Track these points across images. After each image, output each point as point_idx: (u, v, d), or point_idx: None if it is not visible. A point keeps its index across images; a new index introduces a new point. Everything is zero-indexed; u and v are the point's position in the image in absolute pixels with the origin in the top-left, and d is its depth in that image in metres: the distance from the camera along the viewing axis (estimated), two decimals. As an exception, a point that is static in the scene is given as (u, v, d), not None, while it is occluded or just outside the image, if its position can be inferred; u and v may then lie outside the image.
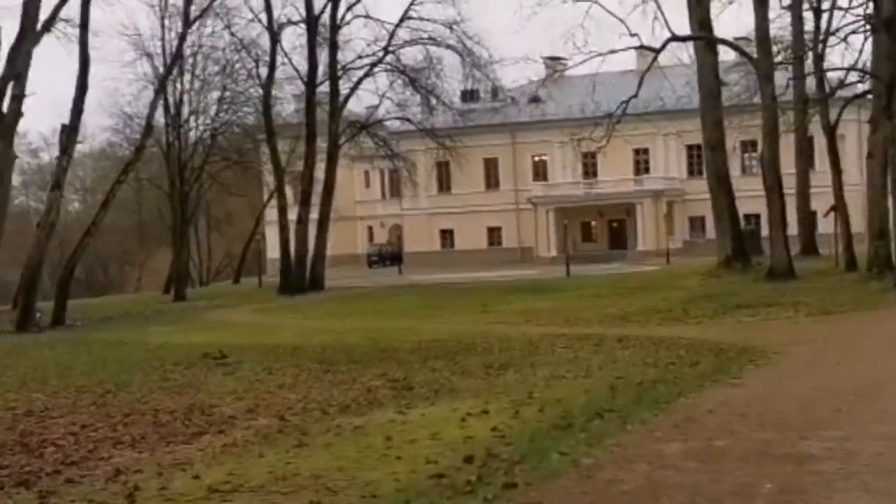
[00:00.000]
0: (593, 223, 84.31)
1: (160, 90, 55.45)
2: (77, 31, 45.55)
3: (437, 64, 61.71)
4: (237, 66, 67.40)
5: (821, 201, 53.56)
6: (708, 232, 65.39)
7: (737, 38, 50.33)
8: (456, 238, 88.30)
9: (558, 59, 63.65)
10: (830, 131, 47.73)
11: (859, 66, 46.03)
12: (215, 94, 71.34)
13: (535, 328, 27.64)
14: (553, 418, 11.69)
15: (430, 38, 60.36)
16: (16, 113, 52.97)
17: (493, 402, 13.43)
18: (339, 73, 60.53)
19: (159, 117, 66.12)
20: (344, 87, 61.79)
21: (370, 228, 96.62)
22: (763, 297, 31.44)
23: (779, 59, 48.76)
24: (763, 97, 41.54)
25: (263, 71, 62.32)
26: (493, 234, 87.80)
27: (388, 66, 62.35)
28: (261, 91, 63.86)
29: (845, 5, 47.27)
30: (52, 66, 66.98)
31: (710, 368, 16.25)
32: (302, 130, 61.70)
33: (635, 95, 43.07)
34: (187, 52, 67.27)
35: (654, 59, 44.08)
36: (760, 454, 9.31)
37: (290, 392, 16.60)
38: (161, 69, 61.85)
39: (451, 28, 59.42)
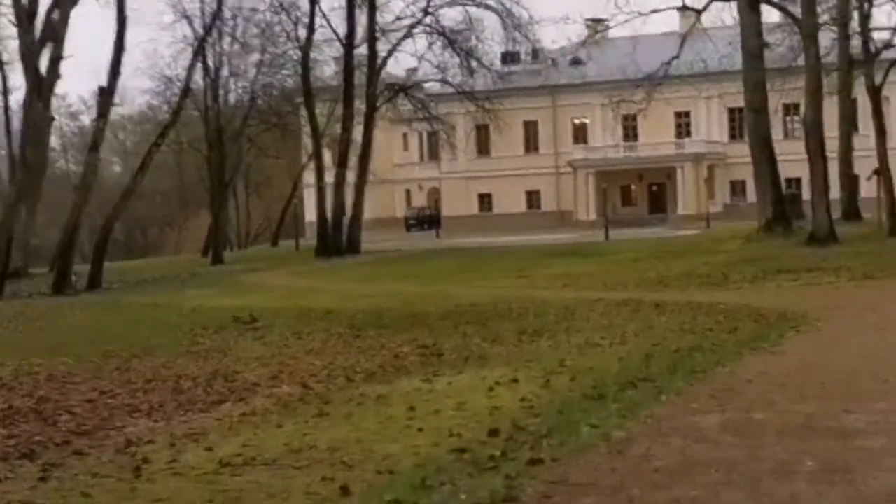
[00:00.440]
0: (633, 187, 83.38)
1: (198, 52, 55.02)
2: (114, -8, 45.16)
3: (477, 25, 61.07)
4: (276, 28, 66.88)
5: (864, 165, 52.52)
6: (749, 196, 64.45)
7: (781, -1, 49.39)
8: (494, 202, 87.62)
9: (600, 20, 62.52)
10: (875, 93, 46.76)
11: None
12: (255, 57, 70.94)
13: (572, 293, 27.18)
14: (584, 388, 11.22)
15: (469, -1, 59.65)
16: (53, 75, 52.99)
17: (523, 370, 12.99)
18: (378, 34, 59.97)
19: (198, 80, 65.92)
20: (382, 50, 61.33)
21: (408, 192, 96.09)
22: (804, 262, 30.78)
23: (823, 19, 47.66)
24: (807, 58, 40.66)
25: (302, 33, 61.92)
26: (532, 197, 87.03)
27: (427, 28, 61.73)
28: (300, 53, 63.36)
29: (892, -37, 46.22)
30: (93, 30, 67.03)
31: (749, 335, 15.73)
32: (340, 93, 61.17)
33: (677, 56, 42.37)
34: (226, 14, 66.98)
35: (697, 19, 43.35)
36: (802, 428, 8.80)
37: (317, 358, 16.25)
38: (200, 31, 61.42)
39: (491, -12, 58.69)
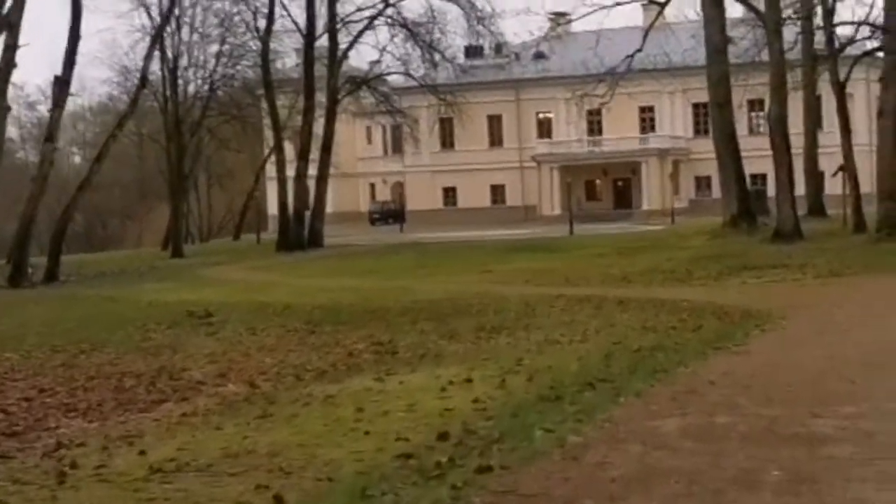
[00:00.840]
0: (598, 182, 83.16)
1: (155, 42, 54.18)
2: (71, -22, 44.33)
3: (440, 18, 60.67)
4: (236, 18, 66.21)
5: (829, 162, 52.46)
6: (714, 191, 64.28)
7: (744, -7, 49.16)
8: (459, 196, 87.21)
9: (562, 14, 62.29)
10: (840, 89, 46.55)
11: (870, 20, 44.83)
12: (214, 48, 70.27)
13: (534, 289, 26.81)
14: (541, 388, 10.75)
15: (433, -10, 59.19)
16: (8, 63, 51.92)
17: (478, 369, 12.51)
18: (339, 25, 59.48)
19: (157, 70, 65.17)
20: (344, 41, 60.78)
21: (372, 186, 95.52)
22: (769, 259, 30.50)
23: (787, 13, 47.45)
24: (771, 52, 40.39)
25: (262, 23, 61.22)
26: (497, 192, 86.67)
27: (389, 20, 61.28)
28: (259, 44, 62.68)
29: (857, -43, 46.08)
30: (52, 18, 66.07)
31: (713, 334, 15.32)
32: (301, 85, 60.57)
33: (640, 50, 42.04)
34: (185, 3, 66.25)
35: (660, 12, 43.05)
36: (767, 433, 8.36)
37: (269, 355, 15.74)
38: (158, 20, 60.61)
39: (453, -20, 58.25)
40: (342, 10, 59.81)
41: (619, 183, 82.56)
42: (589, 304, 21.28)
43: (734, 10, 50.83)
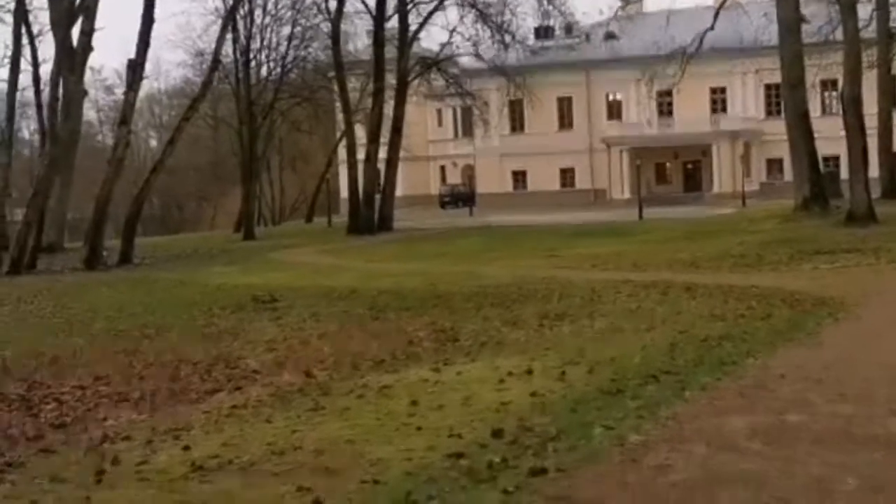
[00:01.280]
0: (668, 164, 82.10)
1: (227, 24, 54.05)
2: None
3: (510, -2, 60.12)
4: (307, 0, 66.13)
5: (904, 142, 51.20)
6: (786, 174, 63.15)
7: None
8: (528, 179, 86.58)
9: (636, -6, 61.54)
10: (915, 68, 45.45)
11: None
12: (287, 30, 70.25)
13: (601, 274, 26.31)
14: (603, 381, 10.36)
15: (501, -31, 58.66)
16: (85, 47, 52.41)
17: (539, 359, 12.13)
18: (409, 6, 59.10)
19: (230, 53, 65.29)
20: (414, 23, 60.44)
21: (443, 168, 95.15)
22: (842, 243, 29.71)
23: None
24: (845, 30, 39.44)
25: (333, 5, 61.05)
26: (566, 175, 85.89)
27: (459, 0, 60.82)
28: (330, 26, 62.52)
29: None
30: (129, 2, 66.44)
31: (783, 323, 14.78)
32: (372, 67, 60.34)
33: (711, 28, 41.24)
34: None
35: (733, -11, 42.04)
36: (842, 435, 7.90)
37: (328, 342, 15.46)
38: (230, 2, 60.60)
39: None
40: (412, -9, 59.48)
41: (690, 165, 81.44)
42: (655, 290, 20.77)
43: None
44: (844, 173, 43.73)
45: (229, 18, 54.93)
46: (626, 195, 74.75)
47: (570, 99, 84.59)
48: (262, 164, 76.63)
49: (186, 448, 8.48)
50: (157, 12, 44.76)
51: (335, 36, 60.24)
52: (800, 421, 8.40)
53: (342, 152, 69.57)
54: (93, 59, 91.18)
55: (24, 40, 57.54)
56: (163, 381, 12.42)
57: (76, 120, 55.29)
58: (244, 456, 8.00)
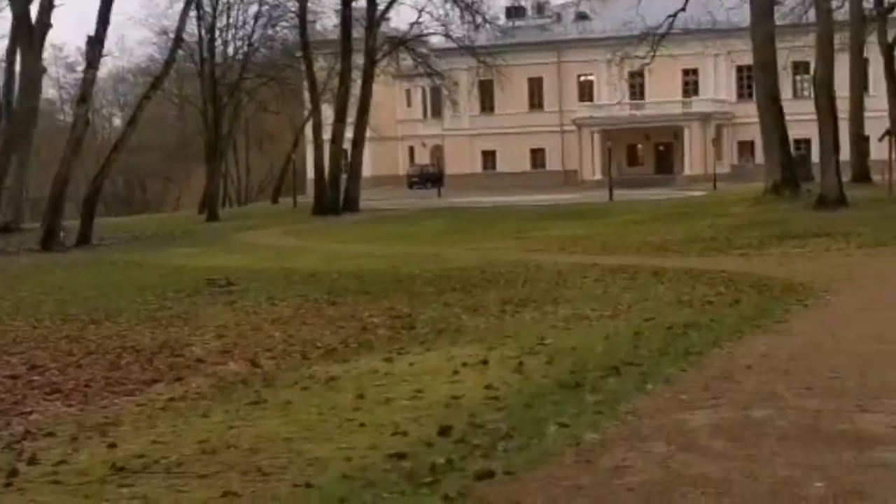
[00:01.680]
0: (639, 146, 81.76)
1: (190, 1, 53.20)
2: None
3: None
4: (274, -23, 65.31)
5: (875, 126, 50.85)
6: (757, 157, 62.87)
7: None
8: (498, 160, 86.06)
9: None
10: (888, 50, 45.08)
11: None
12: (254, 9, 69.35)
13: (568, 257, 25.90)
14: (561, 373, 9.85)
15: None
16: (44, 24, 51.54)
17: (497, 348, 11.61)
18: (378, -16, 58.38)
19: (195, 31, 64.41)
20: (383, 2, 59.77)
21: (411, 149, 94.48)
22: (812, 227, 29.38)
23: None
24: (818, 11, 39.06)
25: (300, -17, 60.32)
26: (537, 156, 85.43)
27: (428, -22, 60.24)
28: (297, 4, 61.75)
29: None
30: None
31: (751, 309, 14.33)
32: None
33: (683, 9, 40.76)
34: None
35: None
36: (809, 432, 7.41)
37: (280, 328, 14.90)
38: (194, -22, 59.68)
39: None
40: (381, -32, 58.77)
41: (661, 148, 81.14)
42: (623, 274, 20.35)
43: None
44: (816, 157, 43.40)
45: (193, -5, 54.09)
46: (597, 177, 74.38)
47: (540, 79, 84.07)
48: (228, 144, 75.74)
49: (112, 446, 7.91)
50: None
51: (302, 14, 59.61)
52: (765, 416, 7.91)
53: (309, 132, 68.95)
54: (55, 37, 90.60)
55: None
56: (100, 371, 11.82)
57: (34, 98, 54.28)
58: (172, 455, 7.44)
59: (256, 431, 8.10)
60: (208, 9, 64.89)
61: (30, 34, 51.19)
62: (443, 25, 63.47)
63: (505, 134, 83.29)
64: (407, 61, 68.77)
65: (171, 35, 61.42)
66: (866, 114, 52.23)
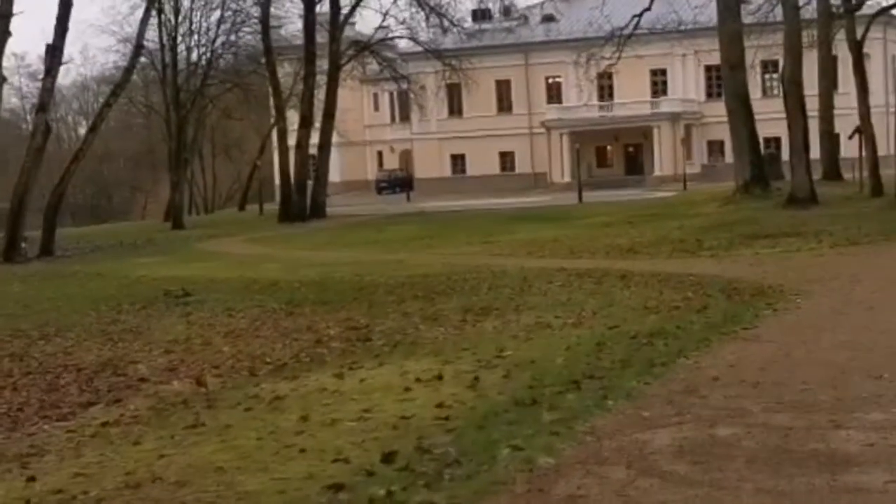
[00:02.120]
0: (609, 148, 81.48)
1: (150, 7, 52.40)
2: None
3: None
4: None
5: (845, 124, 50.64)
6: (727, 156, 62.66)
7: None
8: (467, 163, 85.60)
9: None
10: (857, 48, 44.79)
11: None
12: (216, 15, 68.64)
13: (536, 261, 25.45)
14: (518, 389, 9.31)
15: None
16: (3, 32, 50.61)
17: (454, 362, 11.06)
18: (340, -12, 57.84)
19: (157, 38, 63.67)
20: (346, 5, 59.23)
21: (380, 153, 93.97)
22: (783, 226, 29.02)
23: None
24: (785, 9, 38.76)
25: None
26: (506, 159, 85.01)
27: (392, -19, 59.69)
28: (260, 10, 61.13)
29: None
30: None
31: (719, 315, 13.84)
32: (306, 51, 59.06)
33: (648, 9, 40.40)
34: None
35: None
36: (778, 453, 6.89)
37: (231, 342, 14.31)
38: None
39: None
40: (344, -29, 58.23)
41: (631, 149, 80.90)
42: (590, 279, 19.85)
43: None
44: (786, 155, 43.12)
45: (153, 1, 53.30)
46: (567, 179, 74.07)
47: (508, 82, 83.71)
48: (193, 152, 74.98)
49: (31, 479, 7.33)
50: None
51: (264, 19, 59.10)
52: (732, 435, 7.39)
53: (276, 139, 68.38)
54: (17, 46, 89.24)
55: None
56: (37, 393, 11.21)
57: (-6, 107, 53.51)
58: (94, 490, 6.87)
59: (188, 460, 7.53)
60: (170, 15, 64.19)
61: (-12, 44, 50.31)
62: (408, 29, 63.13)
63: (474, 137, 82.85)
64: (373, 66, 68.30)
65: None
66: (836, 111, 51.97)
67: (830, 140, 51.17)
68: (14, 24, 50.42)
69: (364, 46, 62.12)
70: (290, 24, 70.45)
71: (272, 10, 61.31)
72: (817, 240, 25.31)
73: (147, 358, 13.34)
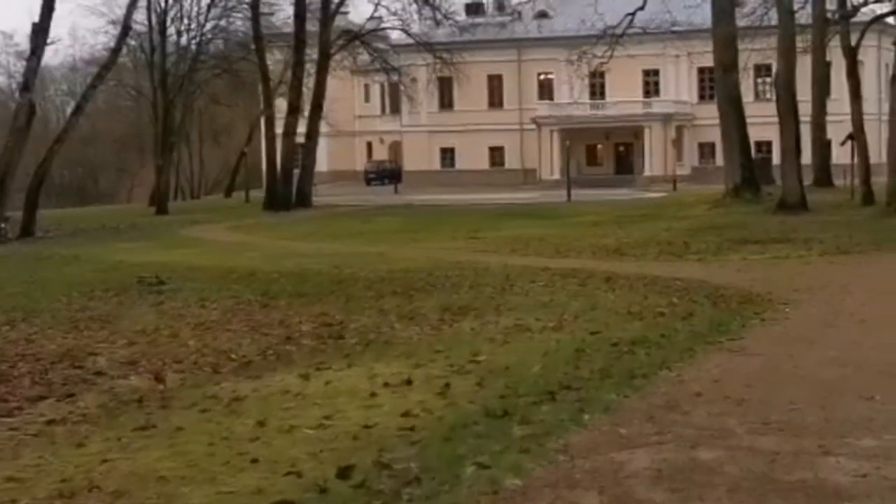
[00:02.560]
0: (599, 146, 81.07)
1: (138, -14, 51.71)
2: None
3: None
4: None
5: (837, 130, 50.27)
6: (718, 159, 62.19)
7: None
8: (457, 157, 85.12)
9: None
10: (851, 54, 44.42)
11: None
12: (207, 0, 67.96)
13: (520, 259, 24.95)
14: (490, 398, 8.81)
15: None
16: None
17: (425, 365, 10.57)
18: (333, -25, 57.30)
19: (146, 21, 63.05)
20: (337, -7, 58.70)
21: (369, 144, 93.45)
22: (772, 232, 28.59)
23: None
24: (780, 13, 38.36)
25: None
26: (496, 154, 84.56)
27: (385, -29, 59.13)
28: (251, -5, 60.56)
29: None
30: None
31: (705, 323, 13.35)
32: (294, 39, 58.49)
33: (641, 8, 40.01)
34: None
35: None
36: (763, 481, 6.40)
37: (198, 335, 13.76)
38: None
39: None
40: (336, -41, 57.69)
41: (621, 148, 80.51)
42: (574, 279, 19.36)
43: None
44: (777, 159, 42.74)
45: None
46: (557, 176, 73.61)
47: (500, 77, 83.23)
48: (180, 137, 74.27)
49: (-40, 483, 6.82)
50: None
51: (255, 5, 58.59)
52: (714, 459, 6.90)
53: (264, 126, 67.82)
54: (5, 25, 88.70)
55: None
56: (-12, 385, 10.68)
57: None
58: (23, 498, 6.36)
59: (131, 466, 7.02)
60: (156, -1, 63.51)
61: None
62: (400, 21, 62.62)
63: (464, 131, 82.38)
64: (364, 56, 67.75)
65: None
66: (828, 117, 51.68)
67: (822, 146, 50.86)
68: (1, 3, 49.91)
69: (354, 36, 61.61)
70: (281, 11, 69.92)
71: (262, -5, 60.74)
72: (807, 247, 24.87)
73: (108, 349, 12.80)
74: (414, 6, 59.60)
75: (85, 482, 6.67)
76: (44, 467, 7.17)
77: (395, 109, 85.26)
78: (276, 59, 64.97)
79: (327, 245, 32.06)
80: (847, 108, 44.42)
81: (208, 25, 67.64)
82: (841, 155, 48.87)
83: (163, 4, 63.70)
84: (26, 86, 44.48)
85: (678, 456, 6.98)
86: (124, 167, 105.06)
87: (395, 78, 69.52)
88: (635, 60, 68.62)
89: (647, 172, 75.74)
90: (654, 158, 76.46)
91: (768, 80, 60.23)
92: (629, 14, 41.19)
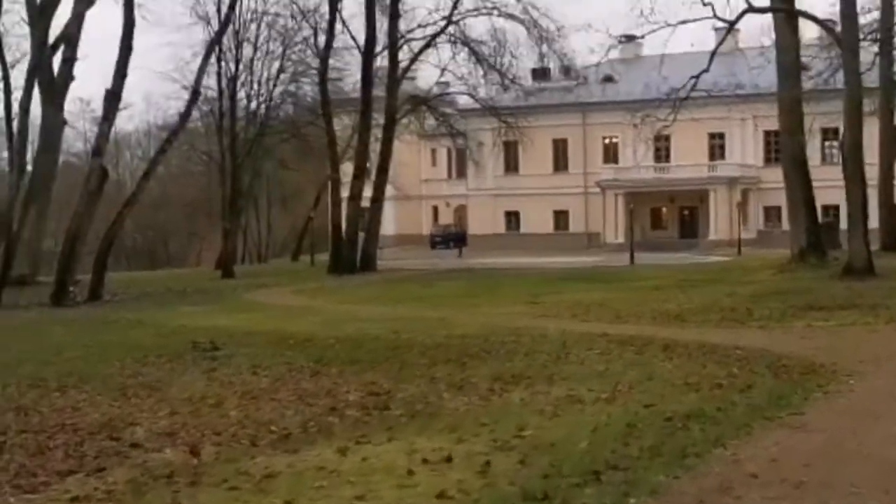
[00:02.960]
0: (664, 209, 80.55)
1: (209, 54, 52.23)
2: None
3: (502, 37, 58.78)
4: (295, 35, 64.75)
5: (905, 194, 49.49)
6: (783, 223, 61.45)
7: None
8: (522, 221, 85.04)
9: (632, 37, 60.25)
10: (918, 117, 43.81)
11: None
12: (276, 65, 68.72)
13: (579, 325, 24.48)
14: (532, 478, 8.41)
15: (494, 8, 57.28)
16: (66, 76, 50.86)
17: (468, 440, 10.18)
18: (399, 42, 57.61)
19: (215, 86, 63.73)
20: (405, 59, 58.99)
21: (435, 208, 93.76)
22: (838, 298, 27.83)
23: (864, 34, 44.64)
24: (847, 74, 37.79)
25: (322, 40, 59.70)
26: (560, 217, 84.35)
27: (451, 38, 59.30)
28: (320, 63, 61.07)
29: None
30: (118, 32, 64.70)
31: (765, 396, 12.82)
32: (363, 104, 58.86)
33: (706, 70, 39.67)
34: (246, 18, 64.82)
35: (728, 30, 40.58)
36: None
37: (242, 405, 13.48)
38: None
39: (517, -1, 56.52)
40: (403, 27, 58.06)
41: (686, 211, 79.92)
42: (632, 347, 18.89)
43: (808, 31, 48.08)
44: (844, 224, 42.01)
45: (211, 49, 53.25)
46: (621, 239, 73.23)
47: (565, 141, 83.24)
48: (249, 200, 74.86)
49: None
50: (148, 43, 43.04)
51: (322, 72, 59.08)
52: (767, 554, 6.46)
53: (330, 190, 68.13)
54: (82, 91, 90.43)
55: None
56: (22, 457, 10.38)
57: (54, 150, 53.75)
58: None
59: (147, 551, 6.72)
60: (230, 64, 64.25)
61: (51, 87, 50.58)
62: (466, 85, 62.80)
63: (529, 195, 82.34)
64: (431, 120, 68.03)
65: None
66: (896, 181, 50.85)
67: (889, 210, 49.99)
68: (79, 69, 50.80)
69: (421, 101, 61.85)
70: (349, 76, 70.39)
71: (332, 62, 61.24)
72: (874, 314, 24.15)
73: (150, 419, 12.55)
74: (480, 71, 59.72)
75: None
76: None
77: (461, 173, 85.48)
78: (343, 123, 65.41)
79: (389, 309, 31.79)
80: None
81: (277, 91, 68.40)
82: (910, 219, 48.03)
83: (233, 70, 64.22)
84: (98, 150, 45.00)
85: (725, 546, 6.54)
86: (194, 231, 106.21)
87: (461, 142, 69.71)
88: (700, 123, 68.24)
89: (711, 236, 75.04)
90: (719, 222, 75.76)
91: (835, 143, 59.53)
92: (693, 77, 40.83)
